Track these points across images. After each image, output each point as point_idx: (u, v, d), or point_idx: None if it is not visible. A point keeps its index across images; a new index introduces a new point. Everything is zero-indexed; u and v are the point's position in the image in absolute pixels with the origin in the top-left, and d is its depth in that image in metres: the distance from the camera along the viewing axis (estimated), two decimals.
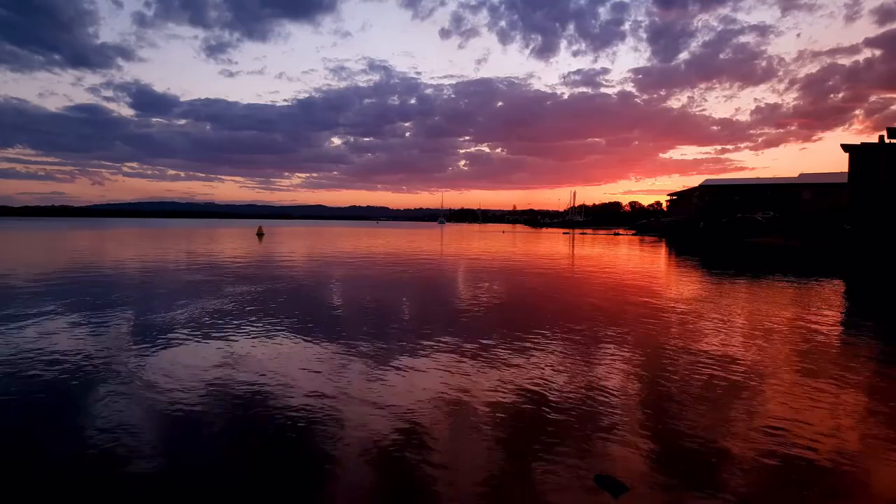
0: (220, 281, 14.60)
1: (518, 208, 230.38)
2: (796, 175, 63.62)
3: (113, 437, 4.29)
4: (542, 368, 6.40)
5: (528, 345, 7.58)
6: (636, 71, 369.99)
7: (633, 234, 69.74)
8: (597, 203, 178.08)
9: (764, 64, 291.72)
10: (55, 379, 5.76)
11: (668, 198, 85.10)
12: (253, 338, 7.81)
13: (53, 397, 5.23)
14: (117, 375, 5.91)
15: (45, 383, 5.62)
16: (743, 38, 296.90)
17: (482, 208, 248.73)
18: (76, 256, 22.61)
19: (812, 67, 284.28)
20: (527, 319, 9.58)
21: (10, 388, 5.46)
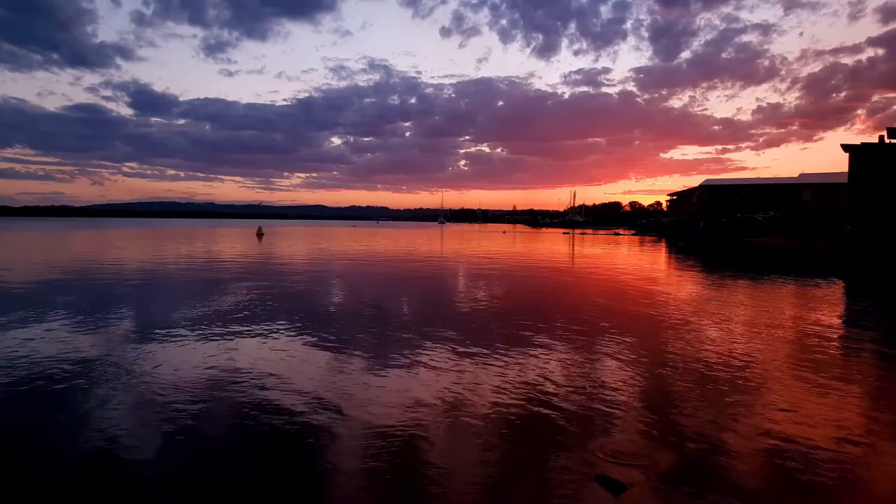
0: (222, 280, 14.61)
1: (518, 208, 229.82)
2: (796, 175, 63.64)
3: (113, 437, 4.30)
4: (543, 368, 6.40)
5: (528, 345, 7.59)
6: (637, 70, 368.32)
7: (633, 235, 69.78)
8: (597, 203, 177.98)
9: (766, 63, 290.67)
10: (55, 378, 5.76)
11: (669, 198, 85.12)
12: (256, 338, 7.81)
13: (53, 397, 5.23)
14: (119, 375, 5.91)
15: (44, 382, 5.62)
16: (745, 37, 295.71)
17: (482, 208, 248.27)
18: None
19: (814, 67, 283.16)
20: (527, 319, 9.59)
21: (10, 388, 5.47)
